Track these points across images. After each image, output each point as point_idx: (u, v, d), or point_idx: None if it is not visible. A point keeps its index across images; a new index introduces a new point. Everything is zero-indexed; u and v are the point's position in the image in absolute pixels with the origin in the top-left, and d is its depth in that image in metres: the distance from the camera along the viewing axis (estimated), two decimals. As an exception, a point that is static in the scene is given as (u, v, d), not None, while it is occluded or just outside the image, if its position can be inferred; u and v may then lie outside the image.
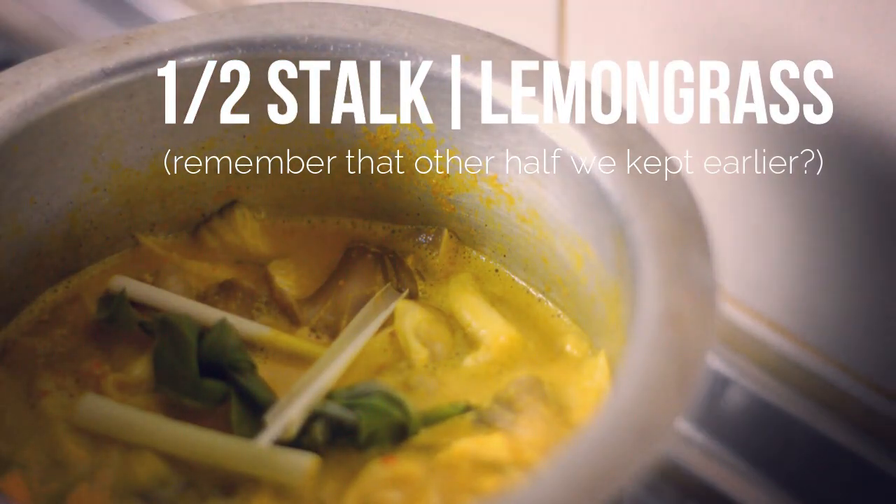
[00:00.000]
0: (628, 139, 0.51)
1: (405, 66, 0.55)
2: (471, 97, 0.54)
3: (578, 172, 0.52)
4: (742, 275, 0.64)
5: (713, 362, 0.65)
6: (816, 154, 0.59)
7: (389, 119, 0.56)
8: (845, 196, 0.59)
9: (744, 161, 0.61)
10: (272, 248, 0.58)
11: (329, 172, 0.58)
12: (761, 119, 0.59)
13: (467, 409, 0.52)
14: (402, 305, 0.55)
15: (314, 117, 0.57)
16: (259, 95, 0.56)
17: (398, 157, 0.57)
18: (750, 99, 0.59)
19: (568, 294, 0.55)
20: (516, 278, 0.57)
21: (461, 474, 0.50)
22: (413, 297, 0.56)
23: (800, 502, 0.63)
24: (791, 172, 0.60)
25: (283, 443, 0.51)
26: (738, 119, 0.60)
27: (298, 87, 0.56)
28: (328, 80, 0.56)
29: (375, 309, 0.55)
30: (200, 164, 0.57)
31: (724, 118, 0.61)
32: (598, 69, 0.59)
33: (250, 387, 0.52)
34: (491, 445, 0.50)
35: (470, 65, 0.54)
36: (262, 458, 0.50)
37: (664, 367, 0.45)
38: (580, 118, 0.52)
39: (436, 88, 0.55)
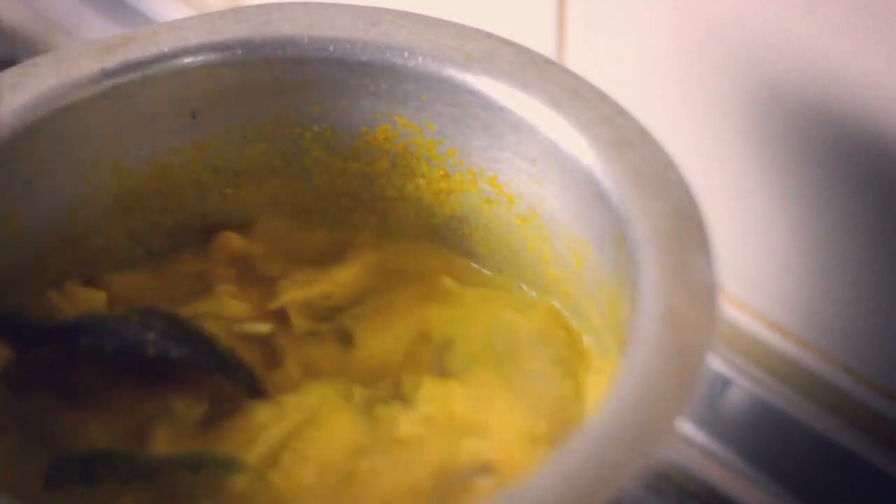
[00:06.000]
0: (628, 139, 0.51)
1: (405, 66, 0.55)
2: (471, 97, 0.54)
3: (578, 172, 0.52)
4: (742, 275, 0.64)
5: (713, 362, 0.65)
6: (817, 154, 0.59)
7: (389, 119, 0.56)
8: (846, 196, 0.59)
9: (744, 161, 0.61)
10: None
11: (329, 172, 0.58)
12: (762, 119, 0.59)
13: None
14: None
15: (314, 117, 0.57)
16: (259, 95, 0.56)
17: (398, 156, 0.57)
18: (751, 99, 0.59)
19: (568, 294, 0.55)
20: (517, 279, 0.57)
21: None
22: None
23: (800, 503, 0.63)
24: (792, 172, 0.60)
25: None
26: (739, 118, 0.60)
27: (298, 87, 0.56)
28: (328, 80, 0.56)
29: None
30: (201, 164, 0.57)
31: (724, 117, 0.61)
32: (598, 69, 0.59)
33: None
34: None
35: (470, 65, 0.54)
36: None
37: (664, 367, 0.45)
38: (580, 118, 0.52)
39: (436, 89, 0.55)
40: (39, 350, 0.53)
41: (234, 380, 0.53)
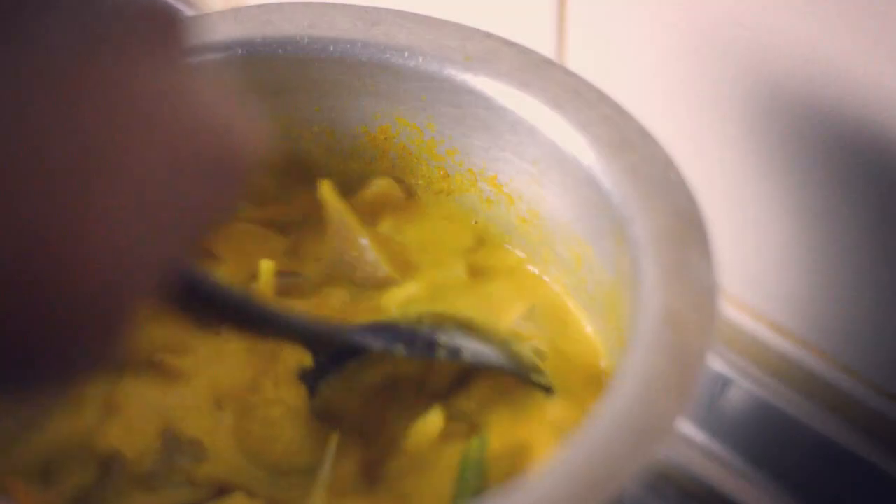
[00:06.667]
0: (628, 139, 0.51)
1: (405, 66, 0.55)
2: (471, 97, 0.54)
3: (578, 172, 0.52)
4: (742, 275, 0.64)
5: (713, 362, 0.65)
6: (817, 154, 0.59)
7: (389, 119, 0.56)
8: (846, 196, 0.59)
9: (744, 161, 0.61)
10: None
11: (329, 172, 0.58)
12: (762, 119, 0.59)
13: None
14: None
15: (314, 117, 0.57)
16: (259, 95, 0.56)
17: (398, 156, 0.57)
18: (751, 99, 0.59)
19: (567, 294, 0.55)
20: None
21: None
22: None
23: (800, 503, 0.63)
24: (792, 172, 0.60)
25: None
26: (739, 119, 0.60)
27: (298, 87, 0.56)
28: (328, 80, 0.56)
29: None
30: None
31: (724, 118, 0.61)
32: (598, 69, 0.59)
33: None
34: None
35: (470, 65, 0.54)
36: None
37: (664, 367, 0.45)
38: (580, 118, 0.52)
39: (436, 88, 0.55)
40: (332, 356, 0.53)
41: (527, 380, 0.52)
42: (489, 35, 0.55)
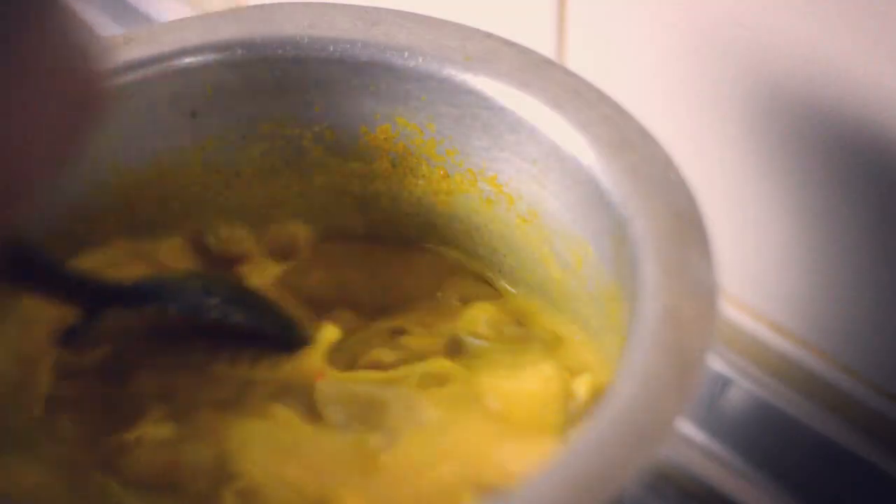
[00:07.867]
0: (628, 139, 0.51)
1: (405, 66, 0.55)
2: (471, 97, 0.54)
3: (578, 172, 0.52)
4: (742, 275, 0.64)
5: (713, 362, 0.65)
6: (817, 154, 0.59)
7: (389, 119, 0.56)
8: (846, 195, 0.59)
9: (744, 161, 0.61)
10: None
11: (329, 172, 0.58)
12: (762, 119, 0.60)
13: None
14: None
15: (314, 117, 0.57)
16: (259, 95, 0.56)
17: (398, 156, 0.57)
18: (751, 99, 0.59)
19: (568, 294, 0.55)
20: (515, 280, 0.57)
21: None
22: None
23: (800, 503, 0.63)
24: (792, 172, 0.60)
25: None
26: (739, 118, 0.60)
27: (298, 87, 0.56)
28: (328, 80, 0.56)
29: None
30: (201, 164, 0.57)
31: (724, 117, 0.61)
32: (598, 69, 0.59)
33: None
34: None
35: (470, 65, 0.54)
36: None
37: (664, 367, 0.45)
38: (580, 118, 0.52)
39: (436, 89, 0.55)
40: (105, 312, 0.54)
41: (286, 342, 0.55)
42: (489, 35, 0.55)
